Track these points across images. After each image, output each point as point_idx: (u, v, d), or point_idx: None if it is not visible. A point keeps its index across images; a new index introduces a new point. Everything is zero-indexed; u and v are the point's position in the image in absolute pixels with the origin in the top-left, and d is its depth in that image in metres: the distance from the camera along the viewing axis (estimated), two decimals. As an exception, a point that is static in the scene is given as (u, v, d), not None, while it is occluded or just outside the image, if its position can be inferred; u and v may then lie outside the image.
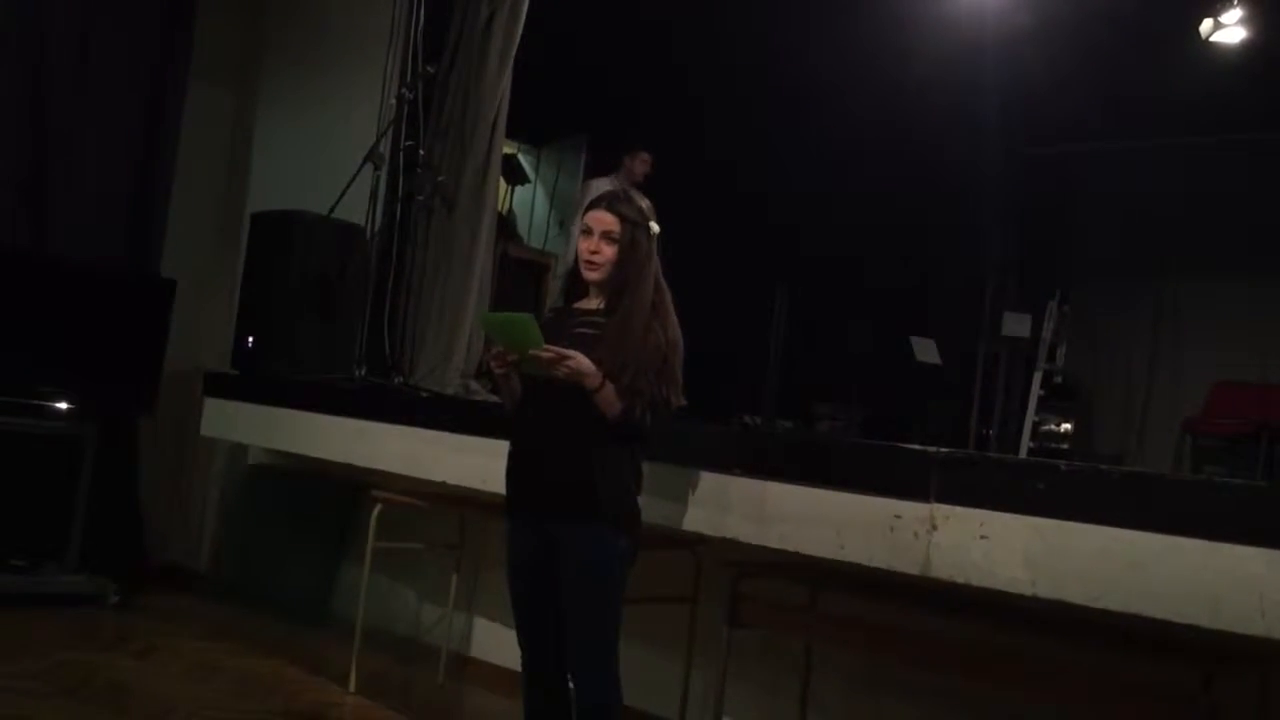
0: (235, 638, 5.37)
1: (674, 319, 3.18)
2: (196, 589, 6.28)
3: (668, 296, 3.21)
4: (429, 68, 5.82)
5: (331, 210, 5.62)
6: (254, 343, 5.81)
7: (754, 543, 3.48)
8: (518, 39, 5.77)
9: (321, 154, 6.20)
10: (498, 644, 4.96)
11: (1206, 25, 7.46)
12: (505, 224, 7.31)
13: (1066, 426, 9.23)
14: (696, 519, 3.63)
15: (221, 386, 5.97)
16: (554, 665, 3.18)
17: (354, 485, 5.57)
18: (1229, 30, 7.44)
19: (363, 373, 5.67)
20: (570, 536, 3.08)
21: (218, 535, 6.55)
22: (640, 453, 3.20)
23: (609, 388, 3.00)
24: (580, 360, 2.97)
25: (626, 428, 3.05)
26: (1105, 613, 2.73)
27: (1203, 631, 2.59)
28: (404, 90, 5.83)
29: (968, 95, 8.30)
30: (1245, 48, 7.48)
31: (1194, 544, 2.59)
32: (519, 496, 3.21)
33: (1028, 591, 2.85)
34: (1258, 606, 2.48)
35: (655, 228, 3.22)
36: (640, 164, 7.10)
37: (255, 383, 5.75)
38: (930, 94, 8.12)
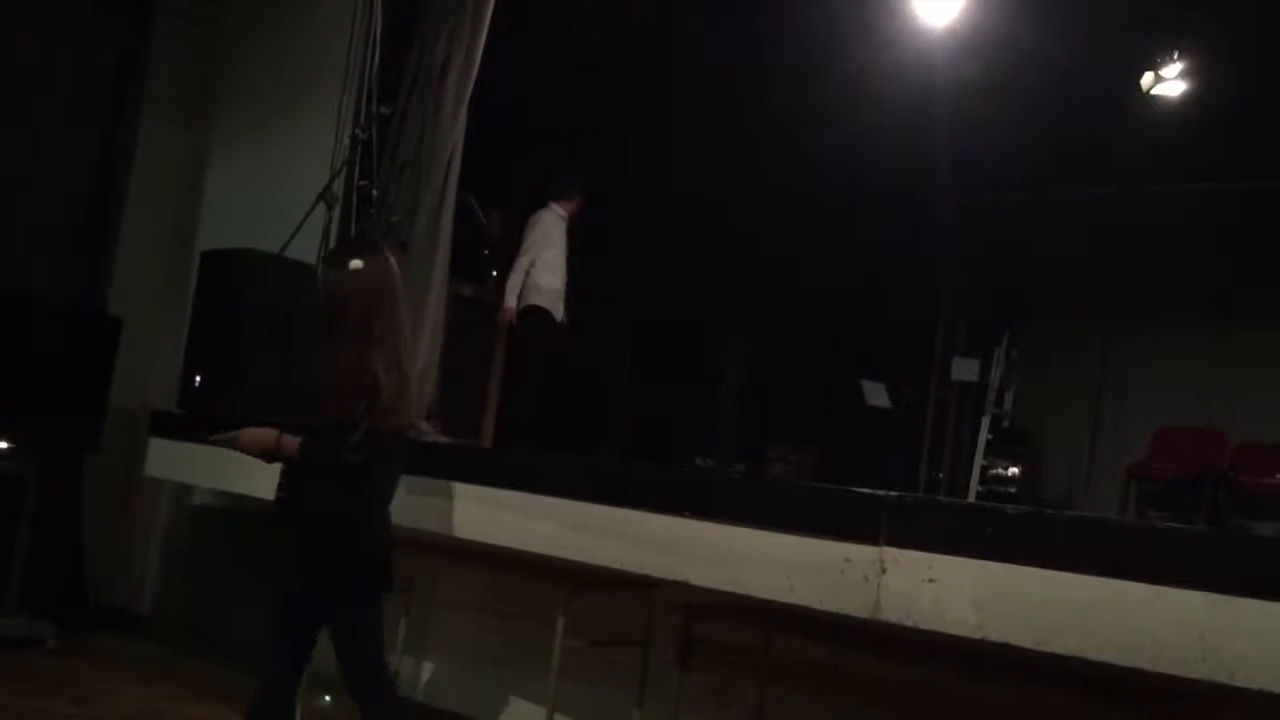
0: (178, 683, 5.27)
1: (354, 351, 3.34)
2: (139, 632, 6.16)
3: (366, 327, 3.37)
4: (383, 108, 5.82)
5: (283, 249, 5.59)
6: (202, 382, 5.75)
7: (705, 585, 3.48)
8: (473, 82, 5.80)
9: (274, 193, 6.17)
10: (448, 689, 4.90)
11: (1147, 79, 7.66)
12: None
13: (1015, 470, 9.33)
14: (648, 561, 3.62)
15: (167, 426, 5.88)
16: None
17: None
18: (1169, 84, 7.64)
19: (313, 413, 5.61)
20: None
21: (161, 577, 6.44)
22: (351, 492, 3.37)
23: (285, 441, 3.37)
24: (243, 435, 3.47)
25: (312, 469, 3.34)
26: (1053, 655, 2.75)
27: (1147, 674, 2.62)
28: (358, 130, 5.82)
29: (919, 144, 8.44)
30: (1185, 100, 7.68)
31: (1137, 587, 2.62)
32: None
33: (975, 635, 2.87)
34: (1199, 650, 2.51)
35: (354, 264, 3.49)
36: (577, 196, 7.08)
37: (202, 422, 5.67)
38: (882, 142, 8.25)
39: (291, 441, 3.38)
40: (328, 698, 4.73)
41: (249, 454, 3.47)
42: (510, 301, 6.78)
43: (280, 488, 3.48)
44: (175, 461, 5.83)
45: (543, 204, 7.05)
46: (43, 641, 5.56)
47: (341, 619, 3.40)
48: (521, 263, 6.82)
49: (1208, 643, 2.51)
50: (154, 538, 6.52)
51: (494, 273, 7.23)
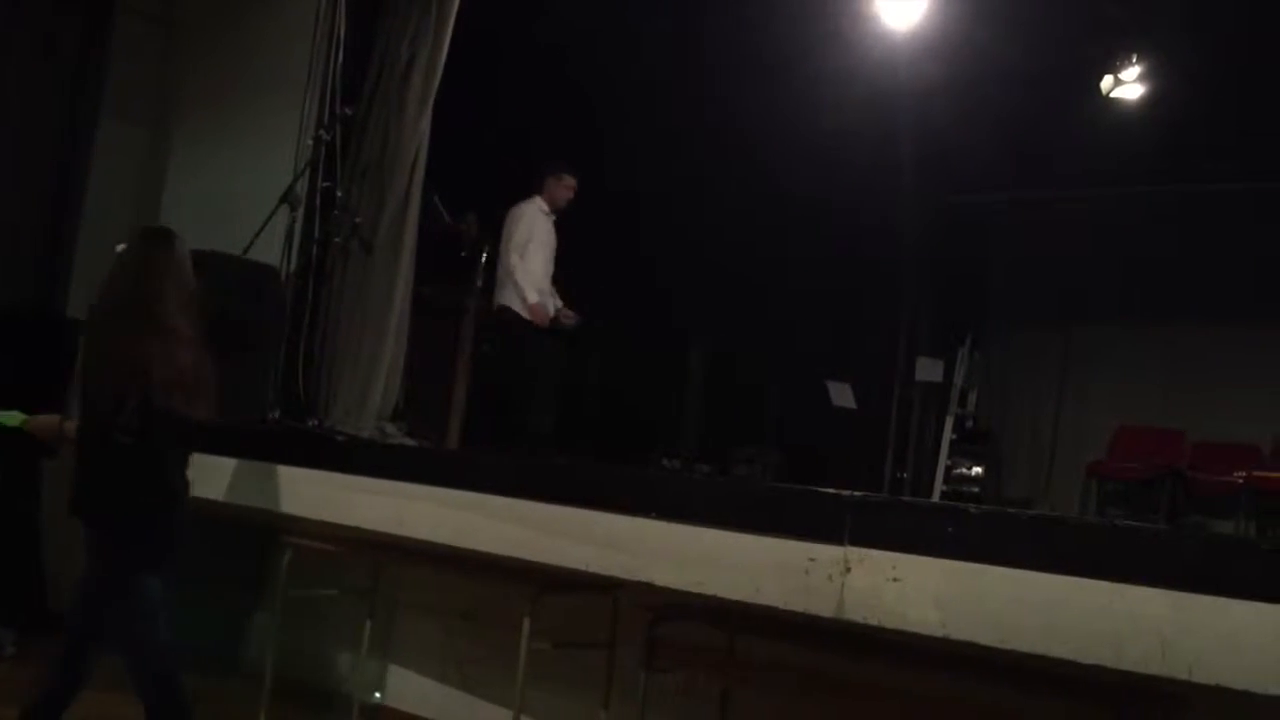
0: (138, 688, 5.20)
1: (125, 333, 3.49)
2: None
3: (139, 309, 3.51)
4: (347, 109, 5.79)
5: (246, 250, 5.54)
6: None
7: (671, 586, 3.48)
8: (437, 83, 5.78)
9: (236, 194, 6.12)
10: (411, 692, 4.88)
11: (1107, 82, 7.74)
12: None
13: (978, 470, 9.40)
14: (613, 562, 3.62)
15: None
16: None
17: (266, 530, 5.46)
18: (1128, 87, 7.73)
19: (277, 415, 5.57)
20: None
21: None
22: (132, 469, 3.58)
23: (67, 426, 3.70)
24: (32, 421, 3.85)
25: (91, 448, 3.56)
26: (1016, 653, 2.78)
27: (1109, 671, 2.64)
28: (321, 132, 5.79)
29: (882, 146, 8.49)
30: (1144, 103, 7.77)
31: (1099, 585, 2.65)
32: None
33: (938, 633, 2.88)
34: (1158, 647, 2.54)
35: (119, 248, 3.67)
36: (564, 189, 6.91)
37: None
38: (845, 144, 8.28)
39: (73, 425, 3.61)
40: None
41: (41, 439, 3.79)
42: (532, 298, 6.63)
43: (74, 472, 3.63)
44: (136, 465, 5.76)
45: (524, 197, 6.92)
46: (2, 648, 5.48)
47: (116, 574, 3.62)
48: (514, 260, 6.64)
49: (1167, 640, 2.54)
50: (114, 542, 6.44)
51: (479, 282, 7.09)
